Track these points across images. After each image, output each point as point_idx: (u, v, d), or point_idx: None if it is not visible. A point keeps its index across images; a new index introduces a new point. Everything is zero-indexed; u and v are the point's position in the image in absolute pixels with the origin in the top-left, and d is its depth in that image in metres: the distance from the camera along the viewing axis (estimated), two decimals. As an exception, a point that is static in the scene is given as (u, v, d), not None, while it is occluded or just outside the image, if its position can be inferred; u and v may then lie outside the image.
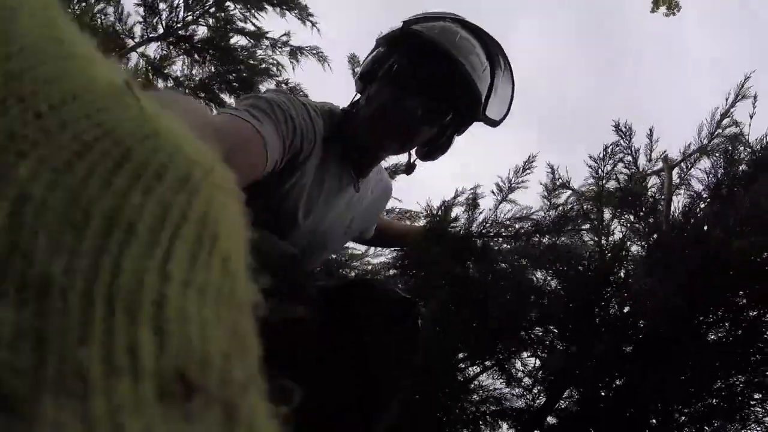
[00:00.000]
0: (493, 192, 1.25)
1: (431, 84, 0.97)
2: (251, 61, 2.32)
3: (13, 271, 0.16)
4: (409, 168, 1.17)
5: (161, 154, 0.19)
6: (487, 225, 1.21)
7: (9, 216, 0.17)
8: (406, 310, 1.12)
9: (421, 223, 1.47)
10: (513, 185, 1.26)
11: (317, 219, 1.09)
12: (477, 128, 1.10)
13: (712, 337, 1.43)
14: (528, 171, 1.26)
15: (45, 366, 0.15)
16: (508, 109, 1.09)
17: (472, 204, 1.23)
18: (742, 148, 1.37)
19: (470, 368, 1.37)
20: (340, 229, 1.17)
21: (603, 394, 1.40)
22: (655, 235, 1.28)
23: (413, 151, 1.12)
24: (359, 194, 1.15)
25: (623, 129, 1.24)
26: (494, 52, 1.03)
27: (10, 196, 0.17)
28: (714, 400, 1.43)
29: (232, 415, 0.17)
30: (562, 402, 1.39)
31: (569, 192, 1.36)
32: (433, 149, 1.10)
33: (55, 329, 0.16)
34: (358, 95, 1.08)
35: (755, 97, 1.37)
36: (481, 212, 1.25)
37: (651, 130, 1.31)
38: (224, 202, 0.21)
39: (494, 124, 1.08)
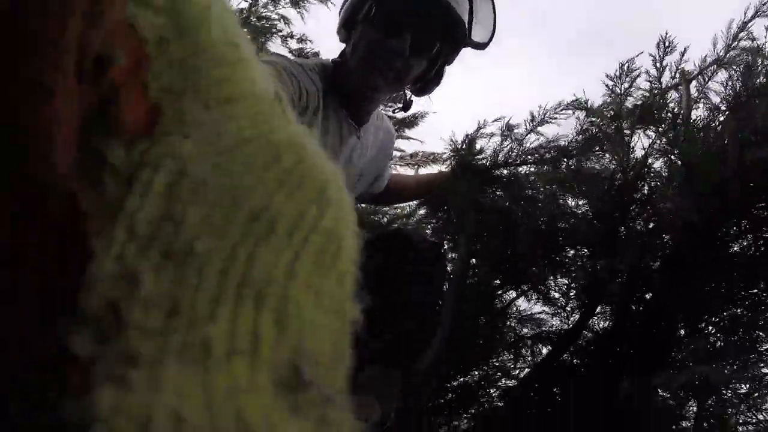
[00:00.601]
0: (525, 121, 1.26)
1: (412, 18, 0.98)
2: (253, 20, 2.28)
3: (162, 237, 0.17)
4: (405, 106, 1.18)
5: (304, 164, 0.21)
6: (513, 154, 1.23)
7: (167, 186, 0.18)
8: (433, 253, 1.16)
9: (445, 166, 1.48)
10: (548, 118, 1.26)
11: None
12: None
13: (736, 249, 1.46)
14: (570, 110, 1.26)
15: (173, 333, 0.16)
16: (494, 29, 1.08)
17: (506, 132, 1.24)
18: (760, 60, 1.35)
19: (506, 294, 1.41)
20: (350, 179, 1.19)
21: (633, 308, 1.44)
22: (675, 150, 1.29)
23: (407, 89, 1.13)
24: (362, 142, 1.16)
25: (665, 43, 1.23)
26: None
27: (170, 169, 0.18)
28: (739, 310, 1.46)
29: (326, 416, 0.18)
30: (595, 318, 1.44)
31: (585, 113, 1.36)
32: (426, 83, 1.11)
33: (189, 300, 0.16)
34: (344, 45, 1.08)
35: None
36: (506, 145, 1.26)
37: (665, 43, 1.31)
38: (348, 223, 0.22)
39: (482, 46, 1.08)
